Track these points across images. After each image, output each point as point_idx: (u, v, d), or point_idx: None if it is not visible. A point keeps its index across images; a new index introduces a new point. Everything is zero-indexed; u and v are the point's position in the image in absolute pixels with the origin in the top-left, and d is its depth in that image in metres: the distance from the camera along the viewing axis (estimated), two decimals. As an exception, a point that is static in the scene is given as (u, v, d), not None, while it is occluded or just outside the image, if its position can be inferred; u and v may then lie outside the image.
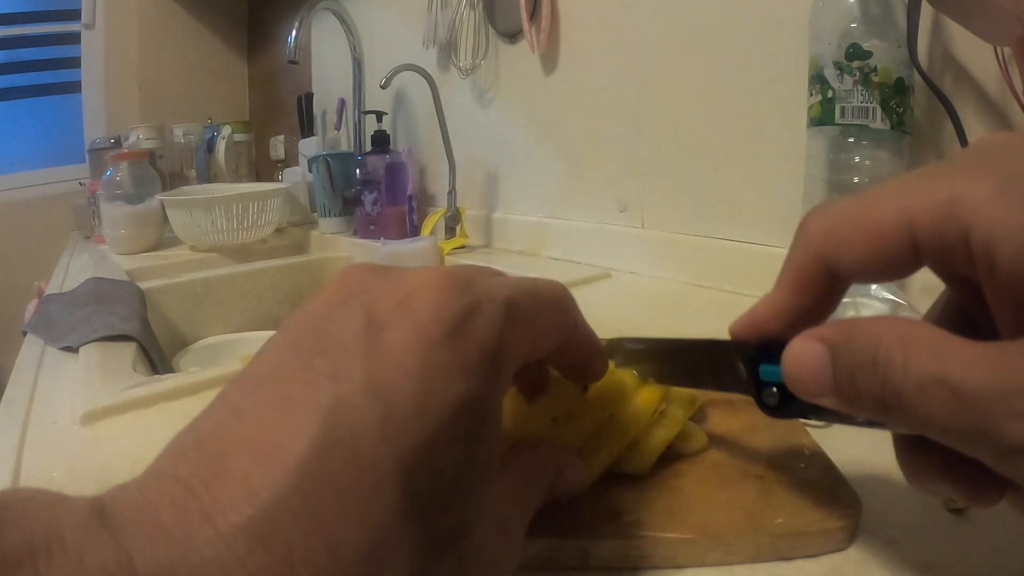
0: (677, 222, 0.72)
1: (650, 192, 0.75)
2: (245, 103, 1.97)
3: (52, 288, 0.89)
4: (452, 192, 0.97)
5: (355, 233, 1.13)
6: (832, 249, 0.19)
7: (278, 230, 1.21)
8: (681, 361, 0.28)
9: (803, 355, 0.19)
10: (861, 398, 0.17)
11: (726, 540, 0.24)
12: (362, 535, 0.14)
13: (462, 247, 0.96)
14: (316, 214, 1.22)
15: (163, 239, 1.17)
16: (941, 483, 0.18)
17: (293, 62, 1.01)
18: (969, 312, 0.18)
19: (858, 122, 0.48)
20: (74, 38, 1.76)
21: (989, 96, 0.49)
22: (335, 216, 1.17)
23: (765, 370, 0.22)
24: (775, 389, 0.22)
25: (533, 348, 0.20)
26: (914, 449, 0.18)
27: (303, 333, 0.17)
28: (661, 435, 0.28)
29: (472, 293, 0.17)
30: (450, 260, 0.93)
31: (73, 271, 1.02)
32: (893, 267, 0.18)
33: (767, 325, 0.21)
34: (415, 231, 1.03)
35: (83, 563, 0.12)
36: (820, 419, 0.21)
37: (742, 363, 0.23)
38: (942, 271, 0.18)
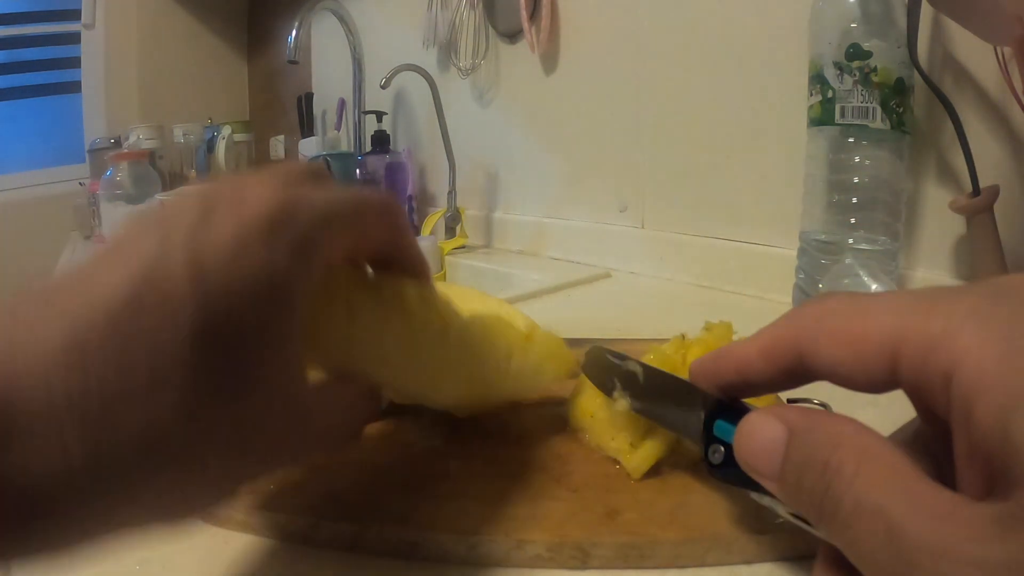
0: (677, 222, 0.72)
1: (650, 192, 0.75)
2: (245, 103, 1.97)
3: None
4: (452, 192, 0.97)
5: (355, 233, 1.13)
6: (811, 340, 0.18)
7: (278, 230, 1.21)
8: (650, 390, 0.27)
9: (759, 430, 0.18)
10: (802, 495, 0.17)
11: (726, 540, 0.24)
12: (153, 359, 0.16)
13: (462, 247, 0.96)
14: (316, 214, 1.22)
15: (163, 239, 1.16)
16: None
17: (293, 62, 1.01)
18: (934, 451, 0.17)
19: (858, 122, 0.48)
20: (74, 38, 1.76)
21: (989, 96, 0.49)
22: (335, 216, 1.17)
23: (720, 426, 0.21)
24: (723, 448, 0.20)
25: (356, 246, 0.24)
26: (838, 570, 0.17)
27: (150, 219, 0.19)
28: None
29: (296, 196, 0.20)
30: (450, 260, 0.93)
31: (73, 271, 1.01)
32: (865, 380, 0.17)
33: (728, 375, 0.21)
34: (415, 231, 1.03)
35: None
36: (761, 497, 0.20)
37: (702, 411, 0.22)
38: (917, 402, 0.17)
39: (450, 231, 0.96)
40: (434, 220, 0.97)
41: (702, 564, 0.24)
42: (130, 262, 0.17)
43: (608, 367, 0.29)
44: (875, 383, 0.17)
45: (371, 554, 0.25)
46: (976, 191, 0.47)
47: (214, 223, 0.18)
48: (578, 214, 0.85)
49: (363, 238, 0.24)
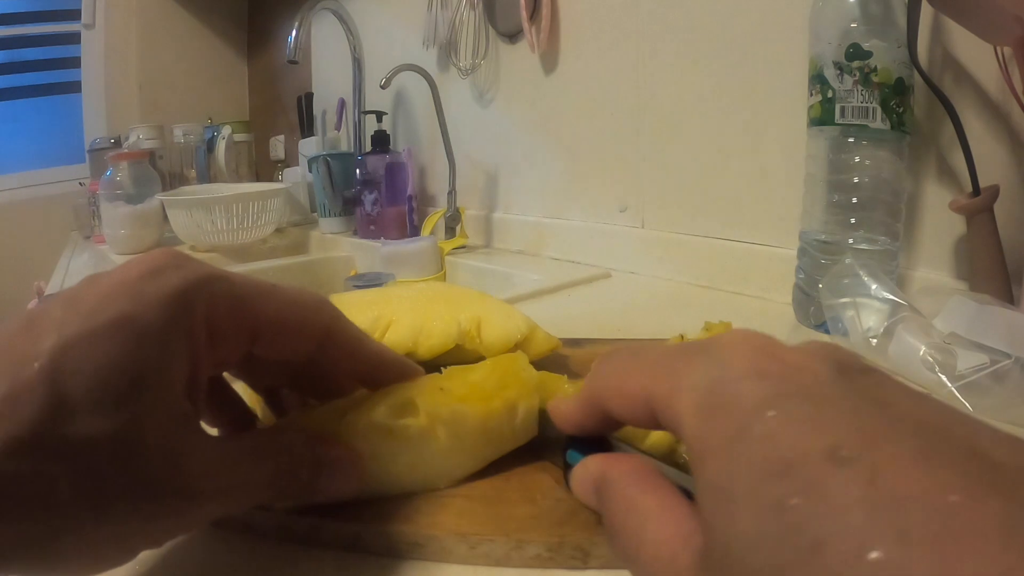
0: (677, 222, 0.72)
1: (650, 192, 0.75)
2: (245, 103, 1.97)
3: (52, 288, 0.89)
4: (452, 192, 0.97)
5: (355, 233, 1.14)
6: (605, 400, 0.21)
7: (278, 230, 1.22)
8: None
9: (579, 485, 0.22)
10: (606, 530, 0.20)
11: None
12: (9, 383, 0.17)
13: (462, 247, 0.96)
14: (316, 214, 1.22)
15: (163, 239, 1.17)
16: None
17: (293, 62, 1.01)
18: None
19: (858, 122, 0.48)
20: (74, 38, 1.76)
21: (989, 96, 0.49)
22: (335, 216, 1.17)
23: (572, 455, 0.24)
24: None
25: (256, 331, 0.23)
26: None
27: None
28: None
29: (178, 260, 0.22)
30: (450, 260, 0.93)
31: (73, 271, 1.02)
32: (647, 427, 0.20)
33: (570, 429, 0.24)
34: (415, 231, 1.03)
35: None
36: None
37: (563, 440, 0.25)
38: None
39: (450, 231, 0.96)
40: (434, 220, 0.97)
41: (702, 564, 0.24)
42: (20, 320, 0.19)
43: None
44: (653, 428, 0.20)
45: (371, 554, 0.25)
46: (976, 191, 0.47)
47: (93, 285, 0.20)
48: (578, 214, 0.85)
49: (263, 321, 0.23)
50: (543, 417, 0.30)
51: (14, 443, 0.17)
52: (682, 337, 0.35)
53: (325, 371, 0.27)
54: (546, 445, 0.29)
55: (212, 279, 0.22)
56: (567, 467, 0.24)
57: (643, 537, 0.18)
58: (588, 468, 0.22)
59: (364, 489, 0.26)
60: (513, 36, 0.90)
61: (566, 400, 0.24)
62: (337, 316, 0.26)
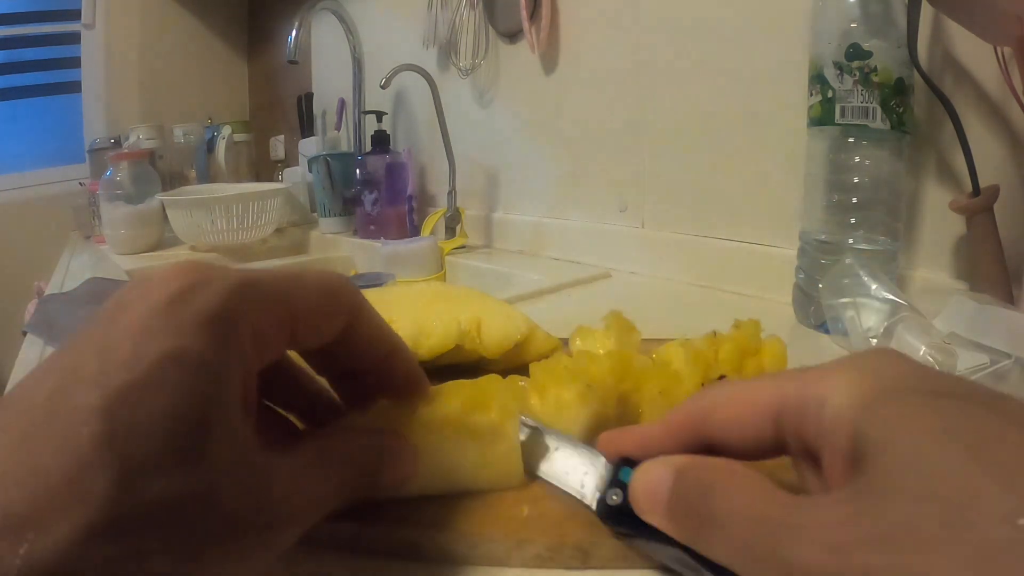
0: (677, 222, 0.72)
1: (650, 192, 0.75)
2: (245, 103, 1.97)
3: (52, 288, 0.89)
4: (452, 192, 0.97)
5: (355, 233, 1.14)
6: (708, 411, 0.22)
7: (278, 230, 1.22)
8: (558, 449, 0.28)
9: (649, 474, 0.22)
10: (685, 514, 0.20)
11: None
12: (64, 461, 0.15)
13: (462, 247, 0.96)
14: (316, 214, 1.22)
15: (163, 239, 1.17)
16: None
17: (293, 62, 1.01)
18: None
19: (858, 122, 0.48)
20: (74, 38, 1.76)
21: (989, 96, 0.49)
22: (335, 216, 1.17)
23: (625, 472, 0.23)
24: (621, 491, 0.23)
25: (294, 326, 0.22)
26: None
27: (75, 335, 0.19)
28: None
29: (205, 273, 0.20)
30: (450, 260, 0.93)
31: (73, 271, 1.02)
32: (753, 437, 0.21)
33: (630, 448, 0.24)
34: (415, 231, 1.03)
35: None
36: (644, 545, 0.23)
37: (609, 463, 0.25)
38: (795, 449, 0.21)
39: (450, 231, 0.96)
40: (434, 220, 0.97)
41: (702, 564, 0.24)
42: (48, 374, 0.17)
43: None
44: (761, 440, 0.21)
45: (371, 554, 0.25)
46: (976, 191, 0.47)
47: (123, 317, 0.18)
48: (578, 214, 0.85)
49: (300, 317, 0.22)
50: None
51: (93, 530, 0.15)
52: (715, 334, 0.35)
53: (346, 361, 0.26)
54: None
55: (245, 285, 0.20)
56: (613, 486, 0.23)
57: (762, 496, 0.18)
58: (660, 469, 0.21)
59: (430, 487, 0.26)
60: (513, 36, 0.90)
61: (644, 426, 0.23)
62: (362, 296, 0.25)
